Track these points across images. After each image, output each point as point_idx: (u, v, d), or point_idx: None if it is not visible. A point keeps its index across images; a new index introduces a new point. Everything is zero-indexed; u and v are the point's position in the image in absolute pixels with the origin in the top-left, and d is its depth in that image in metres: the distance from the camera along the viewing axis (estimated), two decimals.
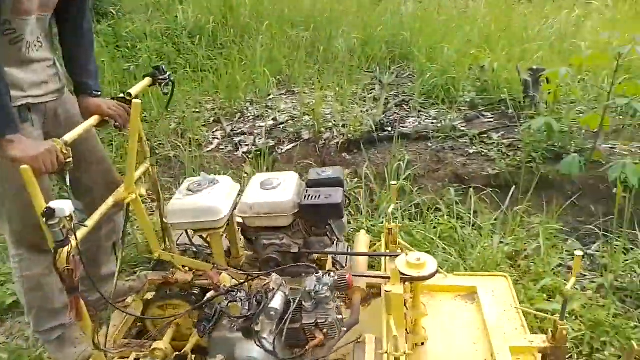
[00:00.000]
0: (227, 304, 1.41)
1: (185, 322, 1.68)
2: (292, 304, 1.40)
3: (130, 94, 1.68)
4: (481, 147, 3.28)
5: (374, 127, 3.45)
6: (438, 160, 3.28)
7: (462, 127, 3.52)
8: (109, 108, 1.70)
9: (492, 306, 1.66)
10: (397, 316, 1.35)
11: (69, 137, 1.45)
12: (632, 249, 2.54)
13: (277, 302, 1.39)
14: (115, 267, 1.93)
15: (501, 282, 1.80)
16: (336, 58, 4.58)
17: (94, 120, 1.63)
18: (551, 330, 1.46)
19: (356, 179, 3.14)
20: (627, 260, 2.40)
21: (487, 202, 2.85)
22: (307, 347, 1.41)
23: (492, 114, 3.66)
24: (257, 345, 1.36)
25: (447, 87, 3.89)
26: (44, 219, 1.24)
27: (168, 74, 1.80)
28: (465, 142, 3.36)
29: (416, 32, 4.77)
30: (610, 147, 3.12)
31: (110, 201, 1.58)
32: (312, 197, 1.63)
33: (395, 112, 3.86)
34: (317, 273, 1.45)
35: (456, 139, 3.39)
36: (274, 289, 1.42)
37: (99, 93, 1.78)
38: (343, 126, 3.57)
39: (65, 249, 1.28)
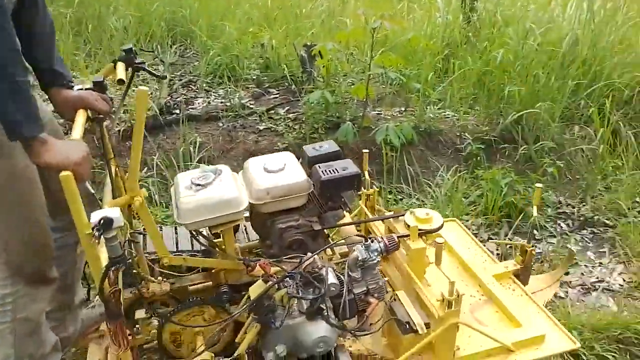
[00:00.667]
0: (297, 289, 1.34)
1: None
2: (344, 276, 1.37)
3: (122, 81, 1.40)
4: (270, 123, 3.40)
5: (158, 110, 3.25)
6: (230, 139, 3.28)
7: (250, 104, 3.58)
8: (95, 100, 1.44)
9: (460, 246, 1.84)
10: (419, 269, 1.48)
11: (76, 136, 1.22)
12: (401, 199, 3.01)
13: (332, 278, 1.35)
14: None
15: (454, 225, 2.01)
16: (110, 37, 4.14)
17: (84, 115, 1.38)
18: (519, 255, 1.72)
19: (146, 168, 2.94)
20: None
21: None
22: (366, 314, 1.41)
23: (277, 90, 3.81)
24: (327, 324, 1.32)
25: (232, 65, 3.89)
26: (98, 233, 1.02)
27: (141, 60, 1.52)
28: (255, 120, 3.44)
29: (196, 10, 4.62)
30: (377, 114, 3.57)
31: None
32: (329, 171, 1.54)
33: (182, 94, 3.71)
34: (365, 242, 1.45)
35: (246, 117, 3.43)
36: (323, 266, 1.38)
37: (73, 84, 1.46)
38: (124, 112, 3.27)
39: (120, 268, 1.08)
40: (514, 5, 4.53)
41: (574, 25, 3.59)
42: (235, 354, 1.36)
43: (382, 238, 1.47)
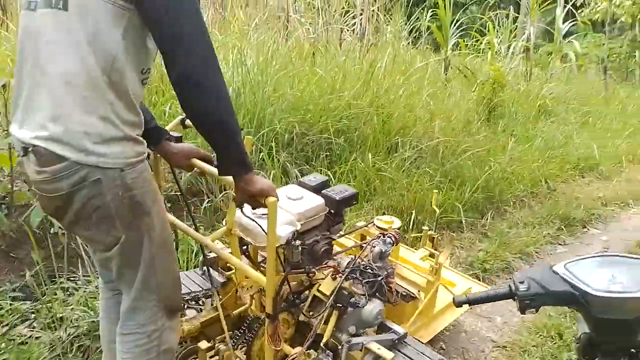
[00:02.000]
0: (365, 278, 1.72)
1: None
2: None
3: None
4: None
5: None
6: None
7: None
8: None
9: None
10: (397, 258, 2.24)
11: None
12: None
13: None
14: None
15: None
16: None
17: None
18: (429, 241, 2.49)
19: None
20: None
21: None
22: (392, 290, 1.90)
23: None
24: (380, 300, 1.76)
25: None
26: (291, 244, 1.52)
27: None
28: None
29: None
30: None
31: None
32: (337, 194, 1.87)
33: None
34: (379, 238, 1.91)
35: None
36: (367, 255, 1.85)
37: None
38: None
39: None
40: None
41: (235, 78, 3.87)
42: (324, 340, 1.66)
43: (391, 234, 1.94)
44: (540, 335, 2.66)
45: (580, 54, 9.08)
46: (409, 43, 8.59)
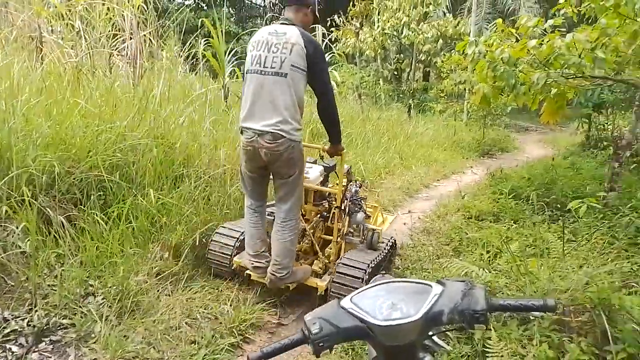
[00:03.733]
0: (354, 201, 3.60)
1: None
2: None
3: None
4: None
5: None
6: None
7: None
8: None
9: None
10: None
11: None
12: None
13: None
14: None
15: None
16: None
17: None
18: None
19: None
20: None
21: None
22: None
23: None
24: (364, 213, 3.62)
25: None
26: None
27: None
28: None
29: None
30: None
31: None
32: (328, 164, 3.76)
33: None
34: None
35: None
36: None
37: None
38: None
39: None
40: None
41: None
42: (344, 230, 3.51)
43: (357, 180, 3.91)
44: None
45: (340, 82, 10.37)
46: (186, 69, 8.42)
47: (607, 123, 10.65)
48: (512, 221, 4.92)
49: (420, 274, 3.63)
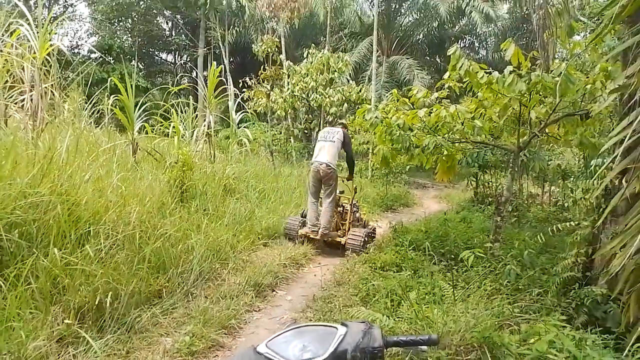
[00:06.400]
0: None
1: None
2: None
3: None
4: None
5: None
6: None
7: None
8: None
9: None
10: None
11: None
12: None
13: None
14: None
15: None
16: None
17: None
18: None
19: None
20: None
21: None
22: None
23: None
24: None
25: None
26: None
27: None
28: None
29: None
30: None
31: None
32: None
33: None
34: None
35: None
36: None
37: None
38: None
39: None
40: None
41: None
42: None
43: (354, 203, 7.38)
44: None
45: (252, 139, 10.65)
46: (91, 123, 8.13)
47: (491, 181, 12.03)
48: (413, 271, 5.34)
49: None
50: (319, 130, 18.27)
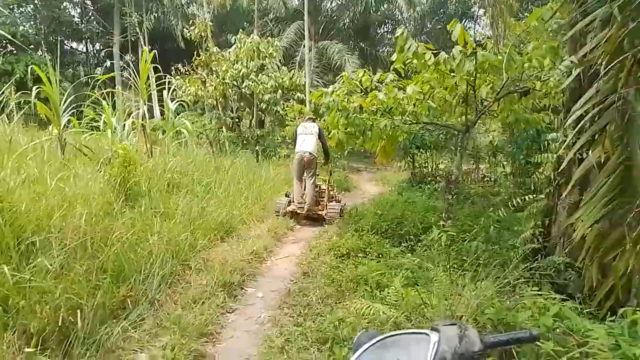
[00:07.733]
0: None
1: None
2: None
3: None
4: None
5: None
6: None
7: None
8: None
9: None
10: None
11: None
12: None
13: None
14: None
15: None
16: None
17: None
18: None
19: None
20: None
21: None
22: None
23: None
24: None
25: None
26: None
27: None
28: None
29: None
30: None
31: None
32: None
33: None
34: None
35: None
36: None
37: None
38: None
39: None
40: None
41: None
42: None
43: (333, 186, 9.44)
44: None
45: (191, 130, 10.05)
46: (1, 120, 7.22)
47: (427, 162, 12.45)
48: (379, 254, 5.32)
49: (318, 319, 3.64)
50: (252, 118, 17.96)
